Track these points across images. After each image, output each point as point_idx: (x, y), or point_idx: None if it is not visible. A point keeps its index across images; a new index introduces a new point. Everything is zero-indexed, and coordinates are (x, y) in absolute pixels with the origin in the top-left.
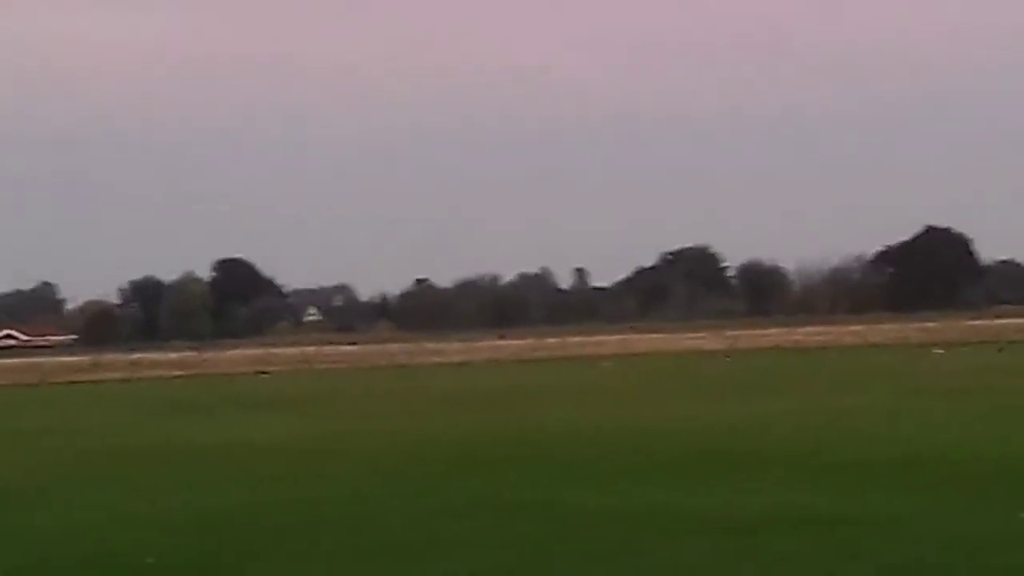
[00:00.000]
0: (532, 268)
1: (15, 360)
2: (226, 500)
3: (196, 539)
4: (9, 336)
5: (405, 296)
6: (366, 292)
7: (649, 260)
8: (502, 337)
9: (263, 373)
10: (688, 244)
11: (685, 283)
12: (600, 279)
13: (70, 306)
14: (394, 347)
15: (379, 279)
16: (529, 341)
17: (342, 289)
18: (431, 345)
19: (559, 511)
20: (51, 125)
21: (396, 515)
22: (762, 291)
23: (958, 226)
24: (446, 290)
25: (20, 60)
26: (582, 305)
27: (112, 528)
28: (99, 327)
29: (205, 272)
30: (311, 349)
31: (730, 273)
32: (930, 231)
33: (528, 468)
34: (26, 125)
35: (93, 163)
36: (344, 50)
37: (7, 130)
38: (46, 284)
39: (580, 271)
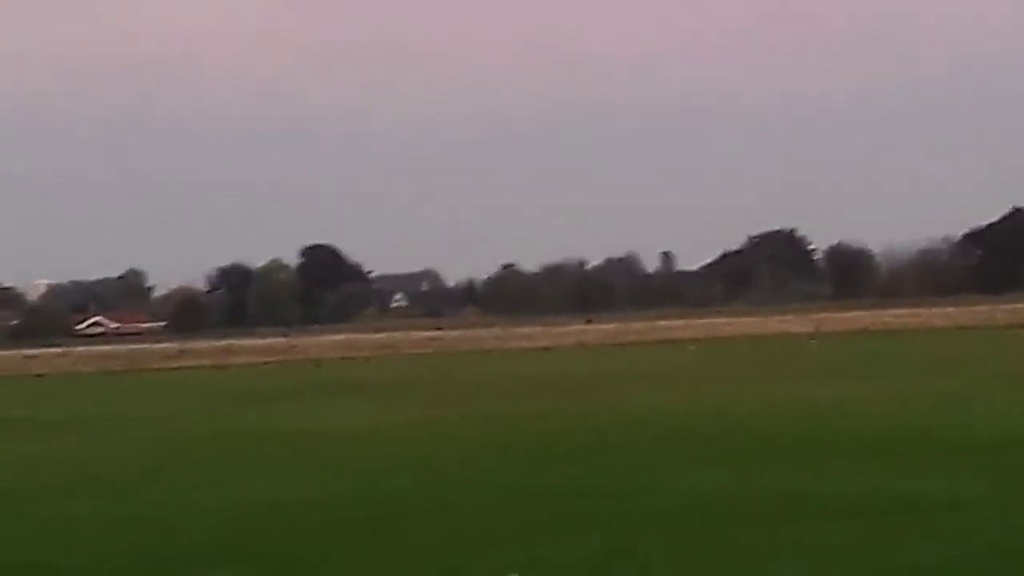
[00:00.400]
0: (618, 252)
1: (104, 347)
2: (313, 488)
3: (285, 527)
4: (98, 324)
5: (491, 281)
6: (453, 277)
7: (735, 243)
8: (589, 322)
9: (350, 359)
10: (774, 227)
11: (771, 266)
12: (686, 263)
13: (158, 293)
14: (481, 332)
15: (465, 264)
16: (615, 325)
17: (428, 275)
18: (517, 330)
19: (644, 496)
20: (135, 113)
21: (482, 502)
22: (849, 274)
23: None
24: (532, 275)
25: (116, 54)
26: (668, 289)
27: (204, 515)
28: (187, 314)
29: (292, 258)
30: (398, 335)
31: (816, 256)
32: (1017, 212)
33: (614, 453)
34: (111, 114)
35: (178, 151)
36: (438, 35)
37: (93, 121)
38: (134, 271)
39: (666, 255)
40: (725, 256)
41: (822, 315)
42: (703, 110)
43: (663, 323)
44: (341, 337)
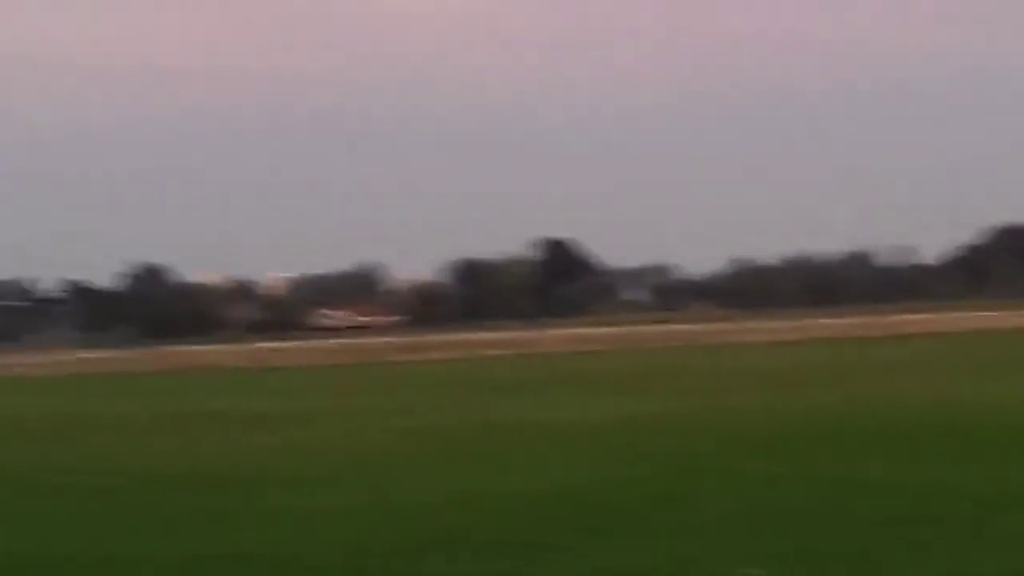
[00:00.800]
0: (854, 246)
1: (340, 340)
2: (558, 480)
3: (534, 519)
4: (334, 317)
5: (724, 275)
6: (687, 270)
7: (976, 237)
8: (824, 315)
9: (585, 352)
10: (1016, 220)
11: (1012, 260)
12: (924, 256)
13: (394, 286)
14: (715, 325)
15: (699, 257)
16: (851, 319)
17: (663, 268)
18: (752, 324)
19: (880, 489)
20: (366, 121)
21: (718, 493)
22: None
23: None
24: (767, 268)
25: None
26: (905, 283)
27: (449, 508)
28: (424, 307)
29: (527, 252)
30: (633, 328)
31: None
32: None
33: (847, 444)
34: (345, 121)
35: (416, 147)
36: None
37: (325, 129)
38: (370, 265)
39: (903, 248)
40: (965, 250)
41: None
42: (932, 96)
43: (900, 317)
44: (575, 330)
